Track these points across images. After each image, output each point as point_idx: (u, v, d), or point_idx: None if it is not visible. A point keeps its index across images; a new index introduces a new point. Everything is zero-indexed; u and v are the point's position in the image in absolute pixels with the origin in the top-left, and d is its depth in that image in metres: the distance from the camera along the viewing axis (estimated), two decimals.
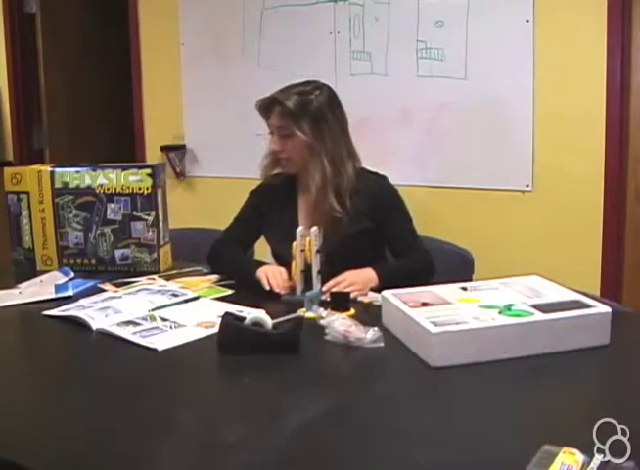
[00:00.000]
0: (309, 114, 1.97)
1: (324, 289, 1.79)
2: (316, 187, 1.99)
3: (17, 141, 4.17)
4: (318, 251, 1.81)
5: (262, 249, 2.25)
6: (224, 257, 2.10)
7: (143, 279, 2.08)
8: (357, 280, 1.85)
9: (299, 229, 1.82)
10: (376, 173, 2.10)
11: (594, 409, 1.22)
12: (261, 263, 2.01)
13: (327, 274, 1.83)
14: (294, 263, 1.81)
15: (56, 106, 4.18)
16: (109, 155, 3.26)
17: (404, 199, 2.11)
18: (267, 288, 1.87)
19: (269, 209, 2.12)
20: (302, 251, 1.80)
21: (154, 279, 2.09)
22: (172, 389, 1.38)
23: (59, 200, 2.21)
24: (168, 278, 2.09)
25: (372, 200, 2.02)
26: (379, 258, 2.08)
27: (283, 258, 1.97)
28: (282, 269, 1.92)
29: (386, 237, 2.07)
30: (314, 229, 1.81)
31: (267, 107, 2.01)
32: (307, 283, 1.81)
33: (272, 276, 1.89)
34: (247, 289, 1.92)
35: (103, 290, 1.97)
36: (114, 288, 1.99)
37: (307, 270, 1.81)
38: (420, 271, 1.98)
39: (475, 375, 1.34)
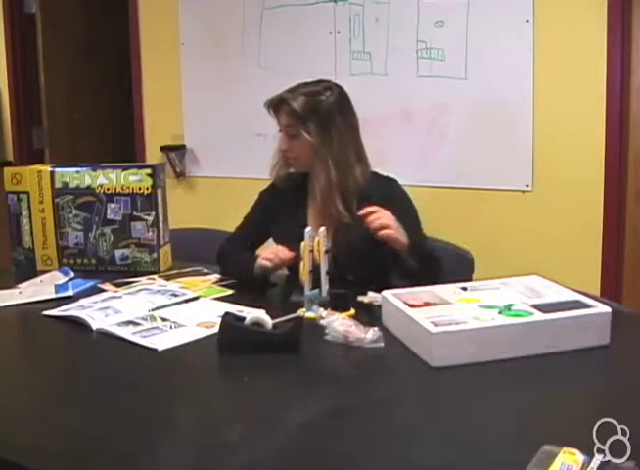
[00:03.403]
0: (317, 115, 1.95)
1: (362, 213, 1.82)
2: (321, 190, 1.98)
3: (17, 141, 4.18)
4: (327, 251, 1.78)
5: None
6: (227, 258, 2.09)
7: (143, 279, 2.08)
8: (389, 218, 1.81)
9: (308, 229, 1.77)
10: (387, 177, 2.07)
11: (594, 409, 1.22)
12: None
13: (333, 276, 1.80)
14: (302, 264, 1.77)
15: (56, 106, 4.19)
16: (109, 155, 3.27)
17: None
18: (272, 267, 1.89)
19: (279, 209, 2.09)
20: (311, 251, 1.77)
21: (154, 279, 2.09)
22: (172, 389, 1.38)
23: (59, 200, 2.21)
24: (168, 278, 2.09)
25: (382, 204, 1.95)
26: (386, 263, 2.04)
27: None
28: (275, 248, 1.94)
29: None
30: (322, 229, 1.78)
31: (276, 106, 2.00)
32: (315, 284, 1.78)
33: (274, 256, 1.89)
34: (250, 289, 1.90)
35: (103, 290, 1.97)
36: (114, 288, 1.98)
37: (315, 271, 1.78)
38: (431, 263, 1.92)
39: (475, 375, 1.34)
